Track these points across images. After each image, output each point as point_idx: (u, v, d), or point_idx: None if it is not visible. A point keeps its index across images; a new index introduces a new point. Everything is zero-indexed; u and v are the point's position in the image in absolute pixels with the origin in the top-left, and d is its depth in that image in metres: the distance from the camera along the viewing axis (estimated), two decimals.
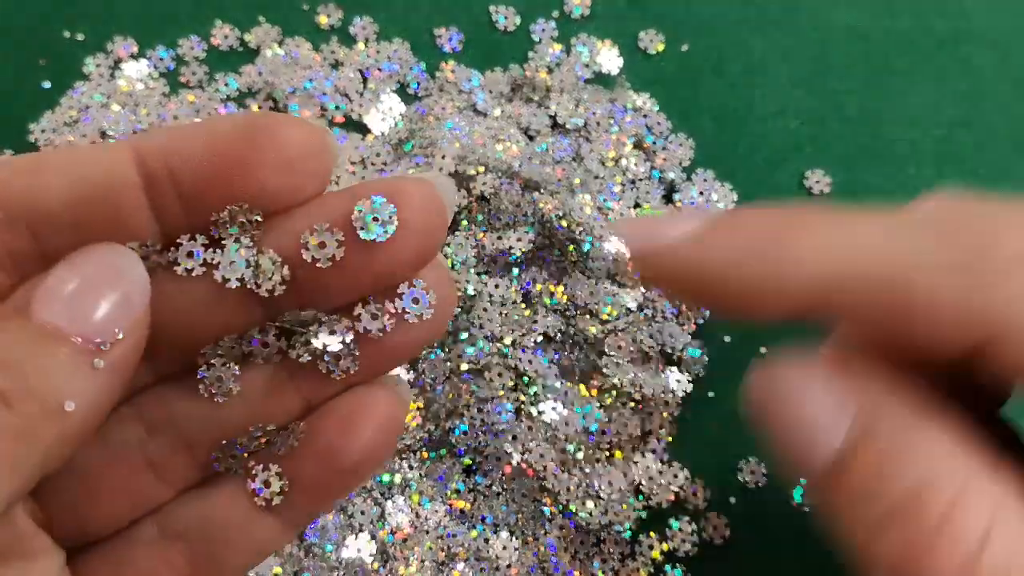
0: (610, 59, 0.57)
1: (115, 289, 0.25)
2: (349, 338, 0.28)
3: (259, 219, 0.27)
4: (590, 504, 0.47)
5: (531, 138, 0.54)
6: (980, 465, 0.27)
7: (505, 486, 0.48)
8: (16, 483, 0.24)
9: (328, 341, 0.28)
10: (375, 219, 0.27)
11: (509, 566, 0.47)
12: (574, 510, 0.48)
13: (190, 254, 0.27)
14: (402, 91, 0.56)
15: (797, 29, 0.59)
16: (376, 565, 0.47)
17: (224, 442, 0.29)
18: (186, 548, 0.29)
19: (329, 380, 0.29)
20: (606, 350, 0.49)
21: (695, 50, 0.59)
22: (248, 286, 0.27)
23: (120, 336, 0.25)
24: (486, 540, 0.47)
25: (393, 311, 0.28)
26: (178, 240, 0.27)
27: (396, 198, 0.27)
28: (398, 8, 0.59)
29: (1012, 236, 0.26)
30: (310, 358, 0.28)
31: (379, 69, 0.56)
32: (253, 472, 0.29)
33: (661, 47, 0.58)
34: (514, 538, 0.48)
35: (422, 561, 0.47)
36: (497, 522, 0.48)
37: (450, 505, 0.48)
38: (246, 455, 0.29)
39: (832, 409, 0.28)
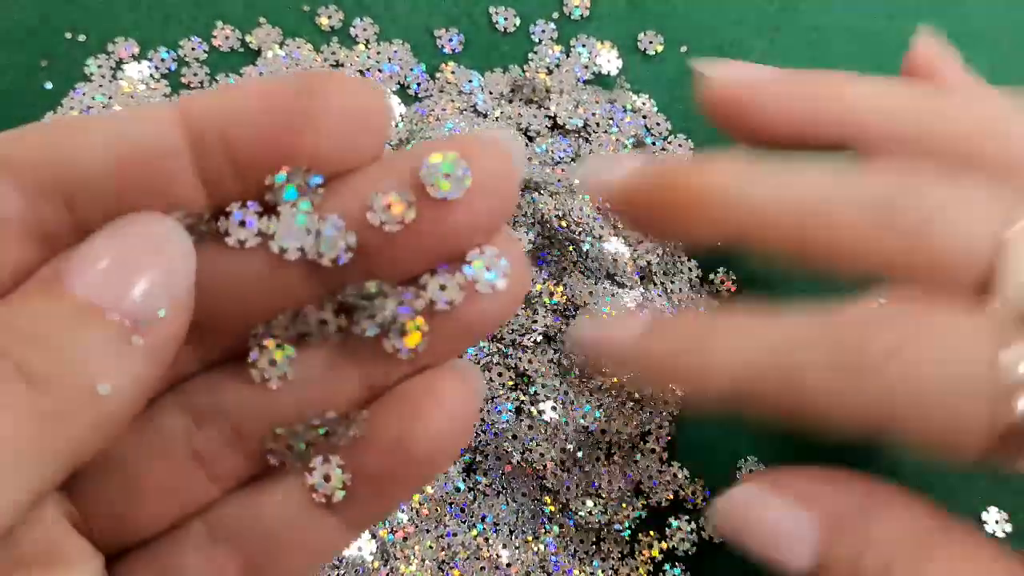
0: (609, 60, 0.58)
1: (156, 263, 0.23)
2: (420, 304, 0.25)
3: (320, 182, 0.25)
4: (590, 503, 0.48)
5: (531, 139, 0.54)
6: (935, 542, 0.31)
7: (505, 485, 0.48)
8: (44, 472, 0.21)
9: (396, 313, 0.25)
10: (446, 176, 0.24)
11: (509, 565, 0.47)
12: (574, 509, 0.48)
13: (242, 223, 0.25)
14: (402, 92, 0.57)
15: (796, 30, 0.59)
16: (376, 564, 0.47)
17: (279, 432, 0.26)
18: (238, 551, 0.26)
19: (395, 362, 0.26)
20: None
21: (695, 51, 0.59)
22: (309, 257, 0.25)
23: (162, 315, 0.23)
24: (486, 539, 0.48)
25: (464, 281, 0.25)
26: (228, 208, 0.25)
27: (467, 154, 0.24)
28: (398, 10, 0.59)
29: (882, 334, 0.29)
30: (376, 332, 0.25)
31: (379, 70, 0.57)
32: (312, 466, 0.26)
33: (661, 48, 0.58)
34: (514, 537, 0.48)
35: (423, 560, 0.47)
36: (497, 521, 0.48)
37: (450, 504, 0.48)
38: (304, 446, 0.26)
39: (794, 527, 0.32)
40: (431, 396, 0.26)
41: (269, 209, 0.25)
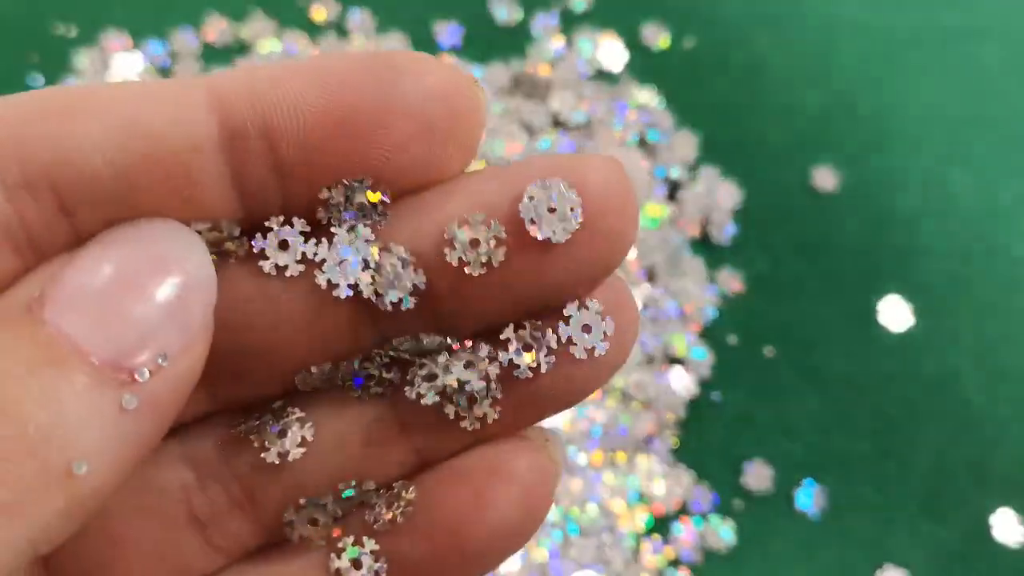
0: (613, 55, 0.56)
1: (164, 291, 0.17)
2: (493, 371, 0.20)
3: (386, 200, 0.19)
4: (593, 508, 0.47)
5: (532, 134, 0.54)
6: None
7: None
8: None
9: (465, 377, 0.20)
10: (551, 210, 0.19)
11: (509, 570, 0.46)
12: (576, 514, 0.47)
13: (283, 244, 0.19)
14: None
15: (802, 24, 0.58)
16: None
17: (301, 501, 0.21)
18: None
19: (454, 429, 0.21)
20: None
21: (699, 46, 0.58)
22: (365, 295, 0.20)
23: (164, 363, 0.17)
24: None
25: (556, 342, 0.20)
26: (267, 223, 0.19)
27: (580, 182, 0.19)
28: (395, 1, 0.58)
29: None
30: (435, 399, 0.20)
31: None
32: (340, 546, 0.21)
33: (665, 43, 0.57)
34: None
35: None
36: None
37: None
38: (332, 521, 0.21)
39: None
40: (497, 474, 0.20)
41: (318, 228, 0.19)
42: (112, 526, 0.21)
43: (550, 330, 0.20)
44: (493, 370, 0.20)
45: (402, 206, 0.20)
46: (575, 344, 0.20)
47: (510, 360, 0.20)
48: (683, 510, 0.48)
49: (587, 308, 0.20)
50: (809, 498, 0.48)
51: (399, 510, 0.21)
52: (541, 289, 0.20)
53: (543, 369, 0.20)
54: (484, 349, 0.20)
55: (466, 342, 0.20)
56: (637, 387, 0.48)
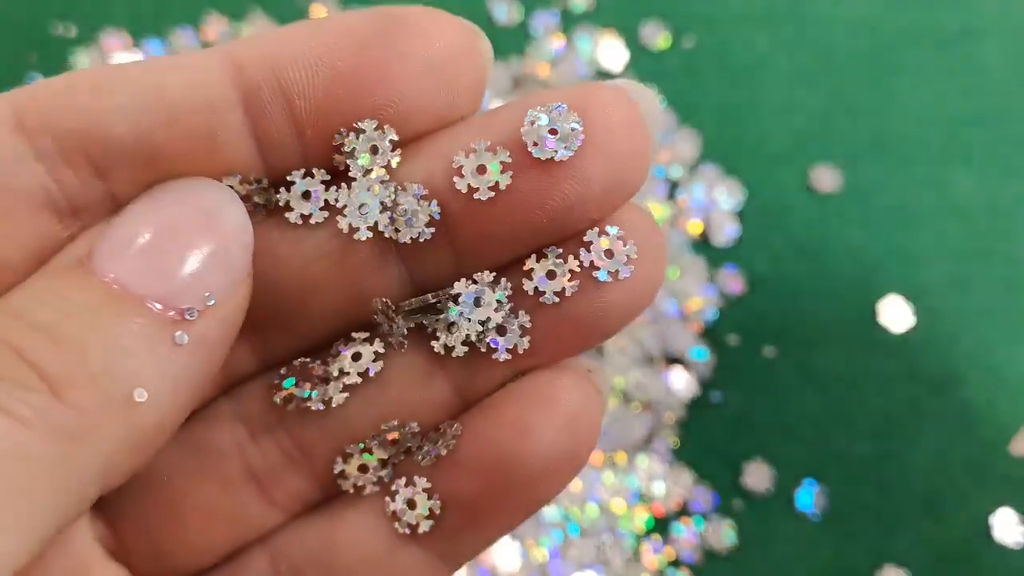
0: (613, 55, 0.56)
1: (207, 239, 0.19)
2: (505, 301, 0.20)
3: (395, 139, 0.20)
4: (593, 508, 0.47)
5: None
6: None
7: None
8: (65, 499, 0.17)
9: (481, 316, 0.20)
10: (552, 132, 0.19)
11: (509, 571, 0.46)
12: (576, 514, 0.47)
13: (306, 195, 0.20)
14: None
15: (802, 24, 0.58)
16: None
17: (348, 449, 0.22)
18: None
19: (491, 363, 0.21)
20: (608, 352, 0.48)
21: (699, 45, 0.58)
22: (385, 235, 0.20)
23: (212, 302, 0.19)
24: None
25: (578, 266, 0.20)
26: (289, 177, 0.20)
27: (581, 107, 0.19)
28: (395, 1, 0.57)
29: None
30: (464, 350, 0.20)
31: None
32: (393, 489, 0.21)
33: (665, 42, 0.57)
34: (515, 542, 0.47)
35: None
36: None
37: None
38: (381, 466, 0.21)
39: None
40: (540, 402, 0.20)
41: (338, 175, 0.20)
42: (172, 487, 0.22)
43: (571, 256, 0.20)
44: (502, 297, 0.20)
45: (414, 148, 0.20)
46: (598, 268, 0.20)
47: (535, 288, 0.20)
48: (683, 510, 0.48)
49: (607, 234, 0.20)
50: (809, 498, 0.48)
51: (445, 446, 0.21)
52: (553, 212, 0.20)
53: (568, 293, 0.20)
54: (493, 281, 0.20)
55: (476, 276, 0.21)
56: (637, 387, 0.47)
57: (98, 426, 0.17)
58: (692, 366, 0.50)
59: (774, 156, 0.55)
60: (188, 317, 0.18)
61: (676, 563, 0.48)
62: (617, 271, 0.20)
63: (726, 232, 0.52)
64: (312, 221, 0.20)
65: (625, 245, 0.20)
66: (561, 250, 0.20)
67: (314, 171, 0.20)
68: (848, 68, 0.57)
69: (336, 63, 0.19)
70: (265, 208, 0.21)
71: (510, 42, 0.57)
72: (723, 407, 0.50)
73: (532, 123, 0.19)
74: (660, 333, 0.49)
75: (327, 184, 0.20)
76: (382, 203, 0.20)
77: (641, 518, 0.47)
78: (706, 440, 0.50)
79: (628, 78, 0.56)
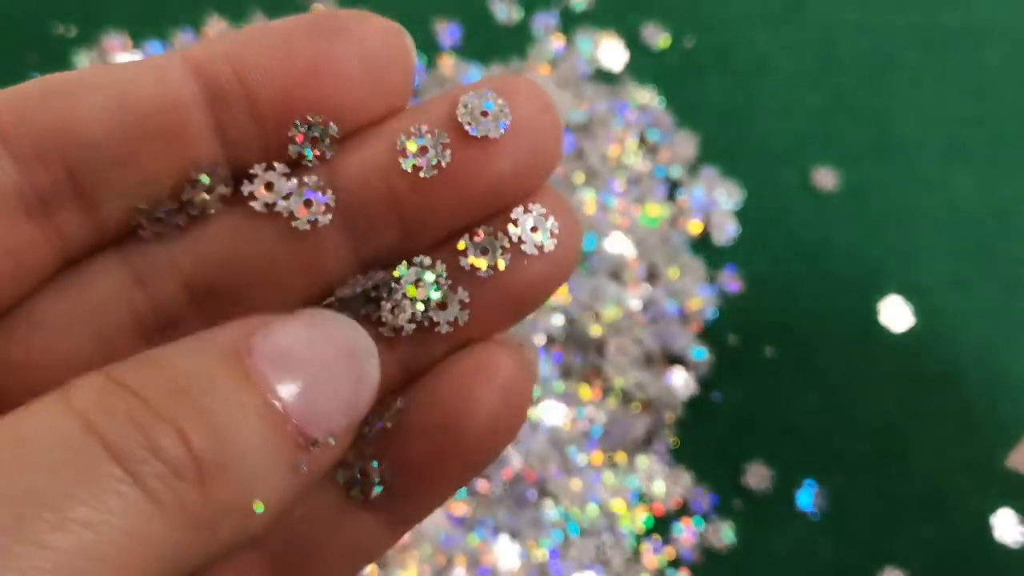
0: (613, 55, 0.56)
1: (351, 385, 0.20)
2: (443, 277, 0.23)
3: (334, 132, 0.22)
4: (593, 508, 0.47)
5: None
6: None
7: (505, 490, 0.47)
8: None
9: (423, 295, 0.22)
10: (483, 114, 0.22)
11: (509, 571, 0.46)
12: (576, 514, 0.47)
13: (269, 185, 0.22)
14: None
15: (803, 24, 0.58)
16: (375, 571, 0.46)
17: None
18: (268, 554, 0.23)
19: (432, 337, 0.23)
20: (608, 351, 0.48)
21: (699, 46, 0.58)
22: (320, 224, 0.22)
23: (333, 443, 0.20)
24: (486, 545, 0.47)
25: (508, 243, 0.22)
26: (251, 171, 0.22)
27: (503, 92, 0.22)
28: (395, 1, 0.58)
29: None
30: (411, 324, 0.23)
31: None
32: (343, 460, 0.23)
33: (665, 43, 0.57)
34: (515, 542, 0.47)
35: (420, 566, 0.46)
36: (498, 526, 0.47)
37: (448, 510, 0.47)
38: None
39: None
40: (478, 372, 0.22)
41: (296, 168, 0.22)
42: None
43: (501, 232, 0.23)
44: (440, 273, 0.23)
45: (359, 136, 0.23)
46: (525, 243, 0.23)
47: (471, 264, 0.23)
48: (683, 510, 0.48)
49: (530, 212, 0.23)
50: (809, 498, 0.48)
51: (389, 419, 0.23)
52: (488, 187, 0.22)
53: (501, 267, 0.22)
54: (431, 261, 0.23)
55: (415, 258, 0.23)
56: (637, 387, 0.48)
57: (217, 524, 0.18)
58: (692, 366, 0.50)
59: (774, 156, 0.55)
60: (312, 448, 0.19)
61: (676, 563, 0.48)
62: (542, 245, 0.22)
63: (726, 232, 0.53)
64: (277, 209, 0.22)
65: (547, 220, 0.23)
66: (492, 228, 0.23)
67: (275, 165, 0.23)
68: (848, 68, 0.57)
69: (285, 63, 0.21)
70: (226, 199, 0.23)
71: (510, 42, 0.57)
72: (723, 407, 0.50)
73: (466, 106, 0.22)
74: (660, 333, 0.50)
75: (287, 177, 0.22)
76: (320, 188, 0.22)
77: (641, 518, 0.47)
78: (706, 440, 0.50)
79: (628, 78, 0.56)
